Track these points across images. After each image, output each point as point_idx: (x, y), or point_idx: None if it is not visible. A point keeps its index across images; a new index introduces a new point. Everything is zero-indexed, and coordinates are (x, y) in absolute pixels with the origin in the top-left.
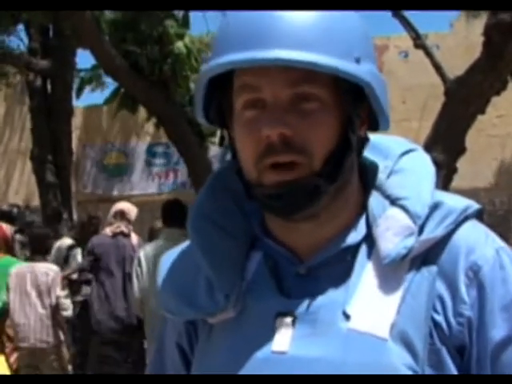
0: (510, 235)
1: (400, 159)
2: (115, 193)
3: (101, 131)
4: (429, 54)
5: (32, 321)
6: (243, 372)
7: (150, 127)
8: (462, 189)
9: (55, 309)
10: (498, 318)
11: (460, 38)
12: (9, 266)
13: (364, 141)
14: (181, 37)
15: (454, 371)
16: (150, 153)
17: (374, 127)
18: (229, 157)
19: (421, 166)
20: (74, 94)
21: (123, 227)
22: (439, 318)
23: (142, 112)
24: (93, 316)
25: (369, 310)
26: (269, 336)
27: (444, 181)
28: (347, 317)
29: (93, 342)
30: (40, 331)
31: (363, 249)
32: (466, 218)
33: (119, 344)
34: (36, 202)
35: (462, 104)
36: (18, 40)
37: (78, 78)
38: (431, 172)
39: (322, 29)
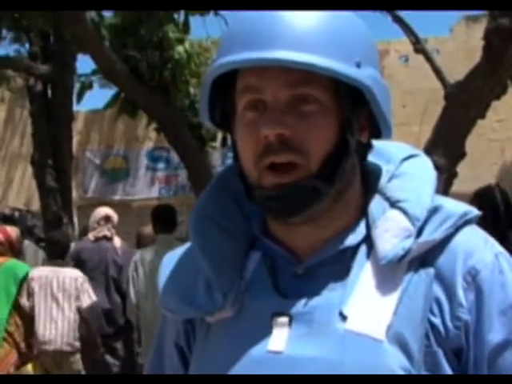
0: None
1: (402, 164)
2: (116, 197)
3: (102, 136)
4: (429, 58)
5: (59, 324)
6: (239, 371)
7: (150, 132)
8: (463, 193)
9: (86, 313)
10: (496, 321)
11: (460, 43)
12: (15, 269)
13: (366, 146)
14: (181, 41)
15: (449, 374)
16: (151, 157)
17: (378, 134)
18: (231, 159)
19: (422, 171)
20: (74, 99)
21: (106, 231)
22: (436, 321)
23: (143, 117)
24: None
25: (365, 311)
26: (265, 335)
27: (444, 185)
28: (344, 317)
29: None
30: (67, 334)
31: (362, 250)
32: (466, 223)
33: (105, 347)
34: (36, 206)
35: (462, 108)
36: (19, 45)
37: (79, 82)
38: (432, 177)
39: (323, 31)
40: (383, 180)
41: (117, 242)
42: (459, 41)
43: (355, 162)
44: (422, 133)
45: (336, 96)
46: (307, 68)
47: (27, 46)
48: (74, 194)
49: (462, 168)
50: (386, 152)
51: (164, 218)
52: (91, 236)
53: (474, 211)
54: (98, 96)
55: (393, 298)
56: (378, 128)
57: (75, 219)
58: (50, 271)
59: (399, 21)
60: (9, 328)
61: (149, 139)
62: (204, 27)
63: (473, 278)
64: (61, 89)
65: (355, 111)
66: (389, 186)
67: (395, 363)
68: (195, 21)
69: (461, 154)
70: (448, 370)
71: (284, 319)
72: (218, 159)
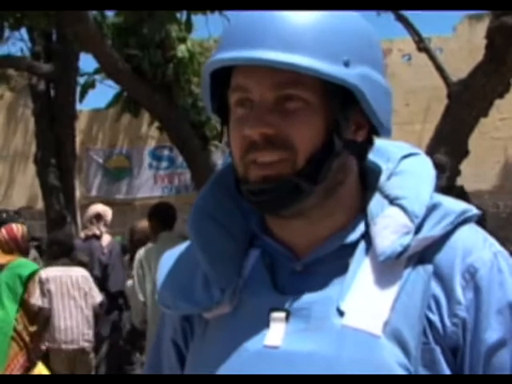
0: None
1: (401, 162)
2: (119, 196)
3: (104, 135)
4: (432, 57)
5: (80, 322)
6: (235, 365)
7: (153, 131)
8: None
9: (98, 309)
10: (494, 320)
11: (463, 42)
12: (20, 268)
13: (365, 145)
14: (183, 40)
15: (447, 371)
16: (154, 156)
17: (378, 133)
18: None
19: (421, 169)
20: (77, 98)
21: (95, 229)
22: (434, 318)
23: (146, 116)
24: None
25: (363, 307)
26: (262, 331)
27: (447, 183)
28: (341, 313)
29: None
30: (87, 332)
31: (361, 247)
32: (465, 221)
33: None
34: (39, 205)
35: (465, 107)
36: (21, 42)
37: (81, 82)
38: (431, 175)
39: (311, 30)
40: (382, 178)
41: (105, 240)
42: (462, 40)
43: (347, 161)
44: (425, 131)
45: (324, 96)
46: (289, 68)
47: (30, 45)
48: (77, 193)
49: (464, 166)
50: (385, 150)
51: (165, 216)
52: (82, 234)
53: (474, 209)
54: (101, 95)
55: (390, 294)
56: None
57: (78, 218)
58: (63, 271)
59: (402, 20)
60: (17, 327)
61: (151, 138)
62: (206, 27)
63: (471, 276)
64: (63, 88)
65: (344, 111)
66: (388, 184)
67: (392, 359)
68: (198, 20)
69: (464, 153)
70: (445, 367)
71: (281, 314)
72: (221, 158)
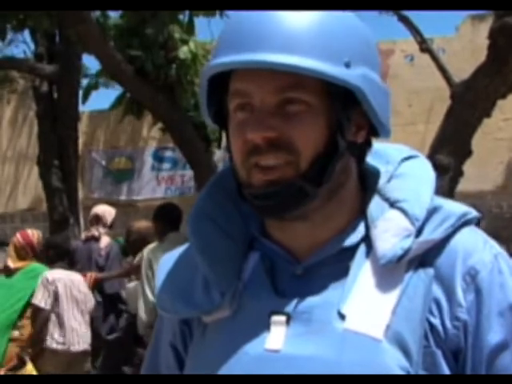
0: None
1: (401, 164)
2: (122, 197)
3: (107, 136)
4: (435, 57)
5: (83, 325)
6: (235, 369)
7: (155, 132)
8: (469, 192)
9: (92, 313)
10: (495, 322)
11: (465, 42)
12: (34, 272)
13: (364, 147)
14: (185, 42)
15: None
16: (156, 157)
17: (377, 134)
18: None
19: (421, 171)
20: (80, 99)
21: (94, 231)
22: (435, 321)
23: (148, 117)
24: None
25: (364, 311)
26: (262, 334)
27: (450, 184)
28: (342, 317)
29: None
30: (88, 334)
31: (361, 250)
32: (465, 224)
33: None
34: (43, 206)
35: (468, 107)
36: (24, 45)
37: (84, 83)
38: (431, 177)
39: (311, 31)
40: (382, 180)
41: (104, 241)
42: (465, 40)
43: (349, 162)
44: (428, 132)
45: (326, 98)
46: (290, 70)
47: (33, 46)
48: (80, 194)
49: (468, 167)
50: (384, 153)
51: (170, 217)
52: (83, 236)
53: (474, 212)
54: (104, 96)
55: (392, 297)
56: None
57: (81, 220)
58: (65, 274)
59: (405, 20)
60: (19, 329)
61: (154, 139)
62: (209, 29)
63: (472, 279)
64: (66, 89)
65: (346, 112)
66: (388, 187)
67: (393, 362)
68: (200, 22)
69: (467, 153)
70: (446, 371)
71: (281, 318)
72: (224, 159)
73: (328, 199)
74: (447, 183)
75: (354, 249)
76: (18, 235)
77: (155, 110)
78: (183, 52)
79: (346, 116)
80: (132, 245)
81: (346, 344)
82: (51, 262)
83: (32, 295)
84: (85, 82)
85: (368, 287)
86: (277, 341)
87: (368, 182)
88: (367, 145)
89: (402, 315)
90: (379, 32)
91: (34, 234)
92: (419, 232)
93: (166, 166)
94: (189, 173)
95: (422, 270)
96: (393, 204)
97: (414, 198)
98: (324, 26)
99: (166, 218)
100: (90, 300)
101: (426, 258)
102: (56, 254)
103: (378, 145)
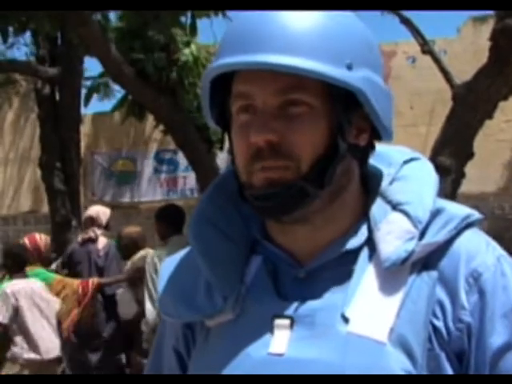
0: None
1: (403, 167)
2: (124, 200)
3: (109, 138)
4: (436, 59)
5: (51, 333)
6: (238, 373)
7: (158, 134)
8: (471, 193)
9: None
10: (498, 324)
11: (467, 44)
12: (39, 278)
13: (366, 149)
14: (187, 44)
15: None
16: (159, 160)
17: (379, 137)
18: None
19: (423, 174)
20: (82, 102)
21: (90, 233)
22: (439, 324)
23: (150, 119)
24: None
25: (368, 314)
26: (266, 338)
27: (452, 185)
28: (346, 320)
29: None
30: (57, 342)
31: (364, 253)
32: (468, 226)
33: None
34: (45, 209)
35: (469, 109)
36: (26, 47)
37: (86, 86)
38: (434, 179)
39: (312, 33)
40: (384, 183)
41: (101, 242)
42: (466, 42)
43: (351, 165)
44: (430, 134)
45: (327, 100)
46: (291, 71)
47: (34, 49)
48: (82, 196)
49: (469, 168)
50: (386, 155)
51: (173, 219)
52: (79, 238)
53: (476, 214)
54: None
55: (395, 300)
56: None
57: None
58: (25, 283)
59: (406, 22)
60: None
61: (156, 141)
62: (211, 31)
63: (475, 281)
64: (68, 92)
65: (347, 114)
66: (390, 189)
67: (398, 366)
68: (202, 25)
69: (469, 155)
70: (450, 373)
71: (285, 321)
72: (226, 161)
73: (329, 202)
74: (449, 185)
75: (356, 252)
76: (26, 240)
77: (157, 112)
78: (185, 54)
79: (346, 118)
80: (124, 250)
81: (350, 347)
82: (10, 272)
83: None
84: (87, 84)
85: (371, 290)
86: (280, 344)
87: (370, 184)
88: (370, 148)
89: (405, 318)
90: (381, 34)
91: (42, 239)
92: (422, 234)
93: (169, 168)
94: (191, 175)
95: (425, 272)
96: (395, 206)
97: (417, 201)
98: (326, 28)
99: (169, 220)
100: (53, 305)
101: (429, 260)
102: (14, 263)
103: (379, 147)
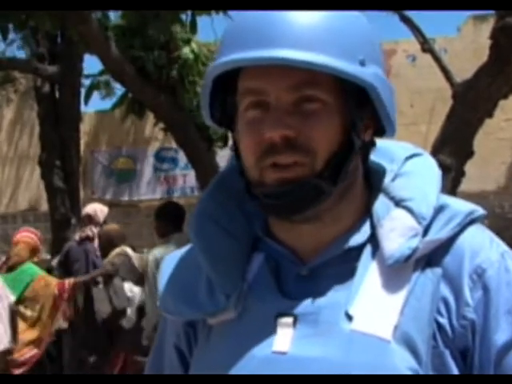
0: None
1: (405, 163)
2: (124, 198)
3: (109, 137)
4: (436, 57)
5: (6, 324)
6: (242, 372)
7: (158, 132)
8: (471, 192)
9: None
10: (503, 321)
11: (467, 42)
12: (26, 273)
13: (369, 145)
14: (188, 42)
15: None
16: (159, 158)
17: (381, 133)
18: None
19: (426, 170)
20: (82, 100)
21: (88, 231)
22: (443, 321)
23: (151, 117)
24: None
25: (372, 311)
26: (269, 336)
27: (452, 184)
28: (350, 318)
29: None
30: (9, 334)
31: (367, 250)
32: (471, 222)
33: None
34: (44, 207)
35: (469, 107)
36: (26, 46)
37: (86, 84)
38: (437, 175)
39: (325, 30)
40: (387, 179)
41: (97, 241)
42: (467, 40)
43: (358, 161)
44: (430, 132)
45: (340, 96)
46: (310, 67)
47: (34, 47)
48: (82, 194)
49: (469, 167)
50: (388, 151)
51: (173, 217)
52: (77, 236)
53: (480, 210)
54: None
55: (399, 297)
56: (380, 126)
57: None
58: None
59: (407, 21)
60: None
61: (156, 140)
62: (212, 29)
63: (479, 277)
64: (68, 90)
65: (360, 111)
66: (393, 185)
67: (402, 364)
68: (202, 23)
69: (469, 153)
70: (455, 371)
71: (288, 319)
72: (226, 159)
73: (339, 199)
74: (449, 183)
75: (359, 249)
76: (32, 234)
77: (157, 110)
78: (185, 52)
79: (359, 115)
80: (101, 248)
81: (354, 345)
82: None
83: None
84: (87, 82)
85: (375, 287)
86: (284, 343)
87: (373, 180)
88: (371, 144)
89: (410, 315)
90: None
91: (34, 235)
92: (426, 231)
93: (169, 166)
94: (191, 173)
95: (429, 269)
96: (398, 203)
97: (420, 197)
98: (337, 24)
99: (169, 217)
100: (7, 296)
101: (433, 257)
102: None
103: (381, 142)
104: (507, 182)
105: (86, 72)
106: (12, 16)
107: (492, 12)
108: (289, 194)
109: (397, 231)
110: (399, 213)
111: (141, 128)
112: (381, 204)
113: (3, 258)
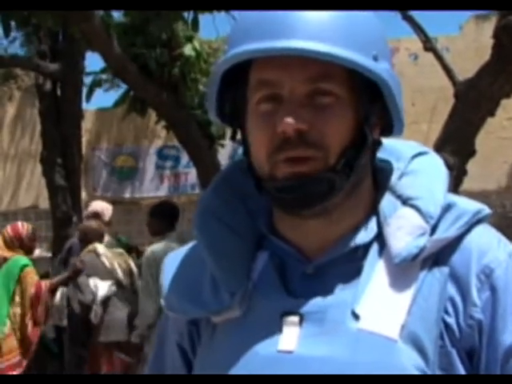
0: None
1: (412, 161)
2: (126, 196)
3: (111, 134)
4: (439, 56)
5: None
6: (247, 371)
7: (159, 130)
8: (473, 191)
9: None
10: (510, 322)
11: (469, 41)
12: (13, 264)
13: (377, 143)
14: (190, 39)
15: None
16: (160, 156)
17: (387, 133)
18: (238, 157)
19: (433, 168)
20: (83, 97)
21: None
22: (450, 321)
23: (152, 115)
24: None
25: (379, 310)
26: (275, 335)
27: (454, 183)
28: (356, 317)
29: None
30: None
31: (374, 248)
32: (478, 221)
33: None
34: (46, 204)
35: (471, 106)
36: (28, 43)
37: (87, 82)
38: (444, 174)
39: (340, 23)
40: (393, 177)
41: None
42: (469, 39)
43: (367, 158)
44: (432, 131)
45: (352, 91)
46: (331, 59)
47: (36, 44)
48: (84, 192)
49: (471, 166)
50: (395, 150)
51: (170, 215)
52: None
53: (487, 209)
54: (108, 94)
55: (406, 296)
56: (387, 126)
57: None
58: None
59: (409, 19)
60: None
61: (158, 137)
62: (214, 26)
63: (487, 277)
64: (70, 87)
65: (373, 106)
66: (400, 184)
67: (410, 363)
68: (204, 20)
69: (470, 152)
70: (462, 371)
71: (294, 318)
72: (228, 157)
73: (348, 195)
74: (451, 182)
75: (366, 247)
76: (8, 227)
77: (159, 108)
78: (187, 50)
79: (372, 109)
80: (79, 244)
81: (361, 344)
82: None
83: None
84: (88, 79)
85: (382, 286)
86: (290, 341)
87: (379, 178)
88: (378, 142)
89: (417, 315)
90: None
91: (24, 227)
92: (433, 230)
93: (170, 164)
94: (193, 171)
95: (436, 268)
96: (405, 201)
97: (428, 196)
98: (350, 19)
99: (164, 216)
100: None
101: (440, 256)
102: None
103: (388, 141)
104: (509, 181)
105: (87, 69)
106: (14, 13)
107: (494, 11)
108: (302, 188)
109: (404, 230)
110: (406, 211)
111: (143, 126)
112: (387, 202)
113: None
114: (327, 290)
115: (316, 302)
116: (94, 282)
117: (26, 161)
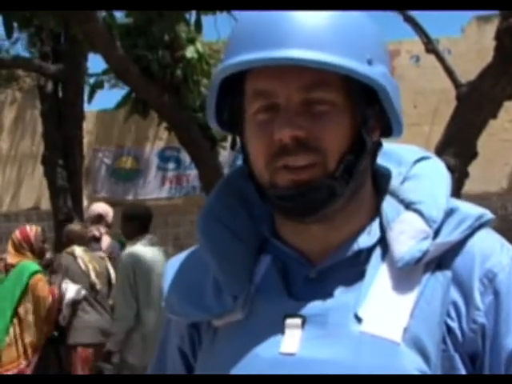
0: None
1: (414, 166)
2: (127, 197)
3: (113, 136)
4: (440, 58)
5: None
6: (249, 373)
7: (161, 132)
8: (474, 193)
9: None
10: None
11: (471, 43)
12: (22, 271)
13: (377, 146)
14: (192, 41)
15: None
16: (162, 157)
17: (386, 134)
18: (239, 161)
19: (435, 173)
20: (85, 99)
21: (95, 231)
22: (453, 325)
23: (154, 116)
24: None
25: (381, 314)
26: (277, 338)
27: (456, 185)
28: (359, 319)
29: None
30: None
31: (377, 252)
32: (481, 226)
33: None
34: (47, 205)
35: (473, 108)
36: (29, 44)
37: (89, 83)
38: (446, 178)
39: (333, 29)
40: (396, 182)
41: (105, 242)
42: (471, 41)
43: (368, 163)
44: (433, 133)
45: (348, 96)
46: (324, 67)
47: (38, 45)
48: (85, 194)
49: (473, 168)
50: (396, 154)
51: (145, 218)
52: None
53: (489, 214)
54: (109, 96)
55: (409, 300)
56: (386, 128)
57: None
58: None
59: (410, 21)
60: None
61: (160, 139)
62: (215, 29)
63: (490, 281)
64: (71, 89)
65: (369, 110)
66: (402, 188)
67: (412, 366)
68: (205, 22)
69: (472, 154)
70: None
71: (297, 321)
72: (229, 159)
73: (349, 200)
74: (453, 185)
75: (369, 251)
76: (17, 231)
77: (161, 110)
78: (189, 52)
79: (370, 113)
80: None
81: (363, 347)
82: None
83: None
84: (90, 81)
85: (385, 290)
86: (292, 344)
87: (380, 183)
88: (378, 145)
89: (420, 318)
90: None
91: (32, 230)
92: (436, 234)
93: (172, 165)
94: (194, 172)
95: (439, 272)
96: (408, 206)
97: (430, 200)
98: (344, 25)
99: (139, 220)
100: None
101: (443, 260)
102: None
103: (388, 145)
104: (511, 184)
105: (89, 71)
106: (16, 14)
107: (496, 13)
108: (302, 196)
109: (407, 234)
110: (409, 216)
111: (144, 127)
112: (390, 207)
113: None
114: (330, 294)
115: (318, 305)
116: (65, 285)
117: (27, 162)
